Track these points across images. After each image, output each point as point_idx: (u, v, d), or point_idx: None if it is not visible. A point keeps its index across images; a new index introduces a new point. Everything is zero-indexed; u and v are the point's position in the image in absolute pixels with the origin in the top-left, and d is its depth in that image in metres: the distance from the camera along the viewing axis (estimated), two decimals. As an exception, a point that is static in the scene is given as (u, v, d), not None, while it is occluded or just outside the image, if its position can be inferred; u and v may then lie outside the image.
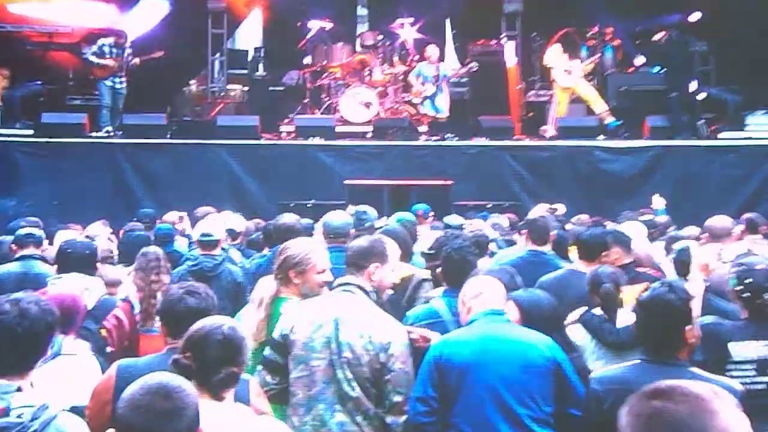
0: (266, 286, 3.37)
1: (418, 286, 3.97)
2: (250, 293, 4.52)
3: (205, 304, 2.73)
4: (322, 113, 11.54)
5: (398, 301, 3.74)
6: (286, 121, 11.39)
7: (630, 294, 3.35)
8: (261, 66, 12.80)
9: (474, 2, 12.42)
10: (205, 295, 2.78)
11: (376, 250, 3.14)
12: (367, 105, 11.13)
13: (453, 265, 3.60)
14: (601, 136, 10.15)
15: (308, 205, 8.50)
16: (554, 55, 10.67)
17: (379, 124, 10.72)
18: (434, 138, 10.33)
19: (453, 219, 6.33)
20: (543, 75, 11.94)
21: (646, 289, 2.76)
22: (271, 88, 12.17)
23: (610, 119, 10.26)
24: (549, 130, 10.80)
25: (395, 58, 12.14)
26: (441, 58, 11.61)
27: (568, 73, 10.53)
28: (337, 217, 4.87)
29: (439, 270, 3.75)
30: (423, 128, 10.98)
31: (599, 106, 10.43)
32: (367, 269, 3.11)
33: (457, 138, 10.31)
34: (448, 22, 13.44)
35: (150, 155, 9.49)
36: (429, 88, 10.88)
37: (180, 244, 5.79)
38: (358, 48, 12.21)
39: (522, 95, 12.15)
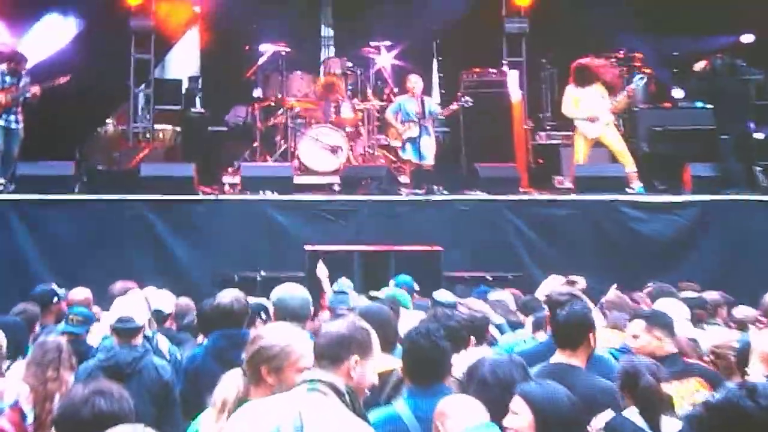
0: (231, 384, 3.32)
1: (399, 384, 3.90)
2: (180, 394, 4.45)
3: (118, 408, 2.70)
4: (276, 160, 11.69)
5: (374, 404, 3.69)
6: (230, 170, 11.52)
7: (680, 393, 3.23)
8: (198, 100, 13.00)
9: (468, 21, 12.77)
10: (119, 397, 2.75)
11: (358, 340, 3.11)
12: (334, 150, 11.30)
13: (418, 354, 3.57)
14: (639, 189, 10.35)
15: (257, 279, 8.57)
16: (571, 102, 10.77)
17: (349, 174, 10.84)
18: (419, 191, 10.42)
19: (443, 295, 6.35)
20: (555, 111, 12.22)
21: (710, 390, 2.55)
22: (211, 129, 12.32)
23: (637, 184, 10.41)
24: (564, 180, 11.01)
25: (369, 91, 12.37)
26: (426, 91, 11.83)
27: (593, 121, 10.62)
28: (295, 294, 4.85)
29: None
30: (404, 179, 11.16)
31: (627, 163, 10.56)
32: (346, 363, 3.06)
33: (447, 191, 10.42)
34: (435, 45, 13.81)
35: (52, 214, 9.43)
36: (412, 128, 11.08)
37: (91, 332, 5.68)
38: (323, 78, 12.49)
39: (529, 137, 12.41)
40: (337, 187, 10.82)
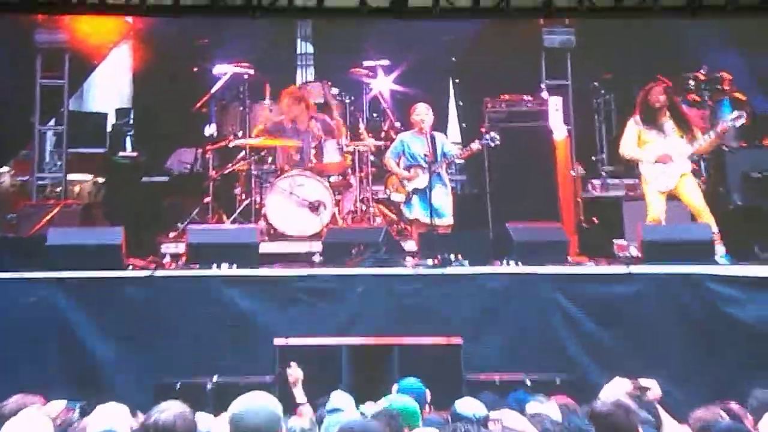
0: None
1: None
2: None
3: None
4: (235, 221, 11.70)
5: None
6: (171, 235, 11.55)
7: None
8: (129, 141, 13.14)
9: (494, 32, 12.88)
10: None
11: None
12: (315, 206, 11.37)
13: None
14: (721, 257, 10.27)
15: (208, 387, 8.51)
16: (634, 141, 10.83)
17: (336, 240, 10.73)
18: (430, 263, 10.25)
19: (466, 405, 6.33)
20: (613, 152, 12.34)
21: None
22: (146, 179, 12.40)
23: (720, 249, 10.43)
24: (628, 247, 10.95)
25: (362, 126, 12.50)
26: (439, 126, 12.00)
27: (666, 162, 10.69)
28: (258, 408, 4.71)
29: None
30: (410, 245, 11.12)
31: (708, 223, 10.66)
32: None
33: (469, 262, 10.24)
34: (450, 64, 13.98)
35: None
36: (419, 175, 11.20)
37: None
38: (311, 105, 12.48)
39: (579, 187, 12.49)
40: (318, 258, 10.74)
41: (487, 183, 12.22)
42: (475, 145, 11.41)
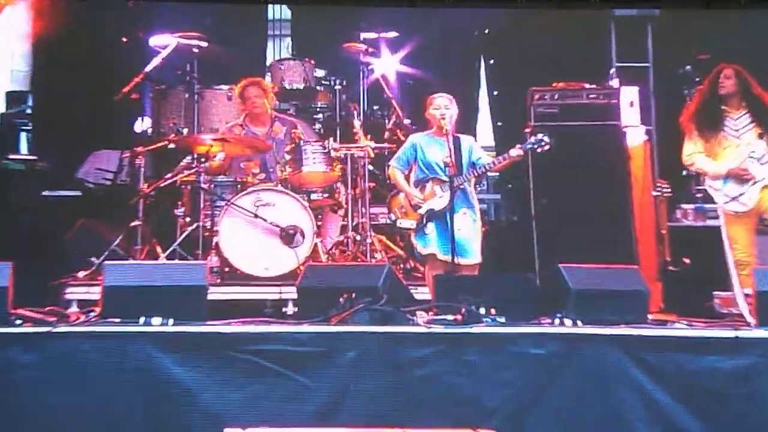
0: None
1: None
2: None
3: None
4: (173, 255, 11.61)
5: None
6: (81, 275, 11.42)
7: None
8: (24, 138, 13.10)
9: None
10: None
11: None
12: (288, 235, 11.28)
13: None
14: None
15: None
16: (696, 146, 11.03)
17: (316, 283, 10.44)
18: (450, 318, 9.97)
19: None
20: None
21: None
22: (48, 194, 12.36)
23: None
24: (735, 301, 10.88)
25: (356, 123, 12.41)
26: (465, 124, 11.93)
27: (741, 180, 10.79)
28: None
29: None
30: (423, 292, 10.97)
31: None
32: None
33: (505, 318, 10.03)
34: (481, 38, 14.14)
35: None
36: (437, 194, 11.03)
37: None
38: (271, 99, 12.68)
39: (663, 213, 12.43)
40: (291, 309, 10.80)
41: (532, 206, 12.20)
42: (516, 152, 11.22)
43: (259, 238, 11.42)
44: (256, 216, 11.37)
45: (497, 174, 12.00)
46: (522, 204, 12.37)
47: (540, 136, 11.15)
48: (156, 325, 9.54)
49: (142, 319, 9.56)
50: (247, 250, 11.44)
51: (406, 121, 12.15)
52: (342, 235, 12.04)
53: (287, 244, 11.31)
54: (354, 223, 12.01)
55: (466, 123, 12.08)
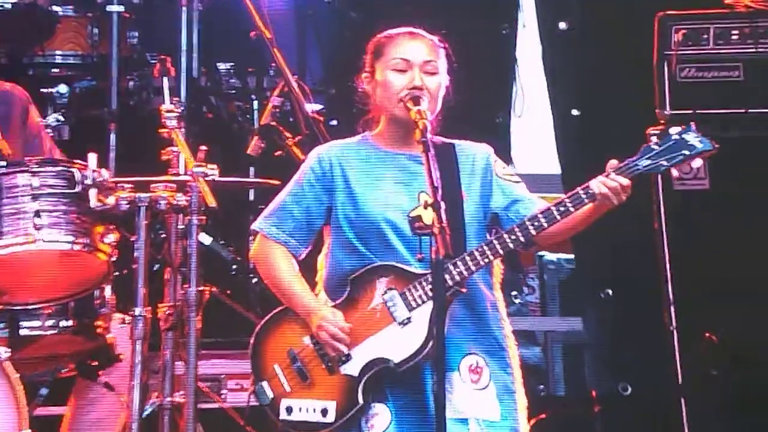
0: None
1: None
2: None
3: None
4: None
5: None
6: None
7: None
8: None
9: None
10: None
11: None
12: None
13: None
14: None
15: None
16: None
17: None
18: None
19: None
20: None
21: None
22: None
23: None
24: None
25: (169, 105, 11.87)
26: (488, 126, 10.93)
27: None
28: None
29: None
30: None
31: None
32: None
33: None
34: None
35: None
36: (398, 319, 6.88)
37: None
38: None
39: None
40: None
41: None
42: (615, 182, 6.49)
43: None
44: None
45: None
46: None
47: (693, 135, 6.28)
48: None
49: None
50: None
51: (309, 109, 8.69)
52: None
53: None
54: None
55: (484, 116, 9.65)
